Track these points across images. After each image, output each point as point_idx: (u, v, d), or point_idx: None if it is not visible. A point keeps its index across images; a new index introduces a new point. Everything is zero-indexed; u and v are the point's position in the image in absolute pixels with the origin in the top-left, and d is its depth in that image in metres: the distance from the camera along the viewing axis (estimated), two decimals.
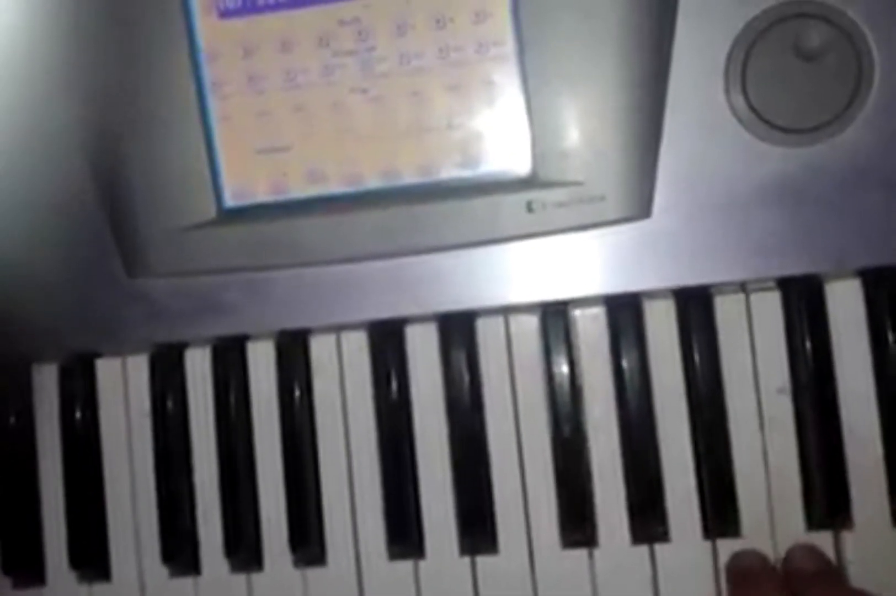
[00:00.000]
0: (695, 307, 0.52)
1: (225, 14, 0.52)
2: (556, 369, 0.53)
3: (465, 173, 0.51)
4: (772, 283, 0.51)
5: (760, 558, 0.50)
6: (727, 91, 0.49)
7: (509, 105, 0.50)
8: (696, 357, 0.51)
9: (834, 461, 0.50)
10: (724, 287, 0.51)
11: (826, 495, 0.50)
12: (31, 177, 0.54)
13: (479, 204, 0.51)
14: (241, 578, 0.55)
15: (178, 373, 0.56)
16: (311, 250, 0.52)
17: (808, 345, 0.51)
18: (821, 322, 0.51)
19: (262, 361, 0.56)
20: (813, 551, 0.50)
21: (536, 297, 0.52)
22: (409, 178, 0.51)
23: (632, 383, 0.52)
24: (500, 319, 0.54)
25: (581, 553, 0.52)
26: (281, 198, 0.52)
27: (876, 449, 0.50)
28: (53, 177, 0.54)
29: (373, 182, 0.52)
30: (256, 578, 0.55)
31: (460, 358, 0.53)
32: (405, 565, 0.54)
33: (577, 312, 0.53)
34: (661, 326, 0.52)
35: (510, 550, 0.53)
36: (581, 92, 0.50)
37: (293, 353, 0.55)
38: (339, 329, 0.55)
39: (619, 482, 0.52)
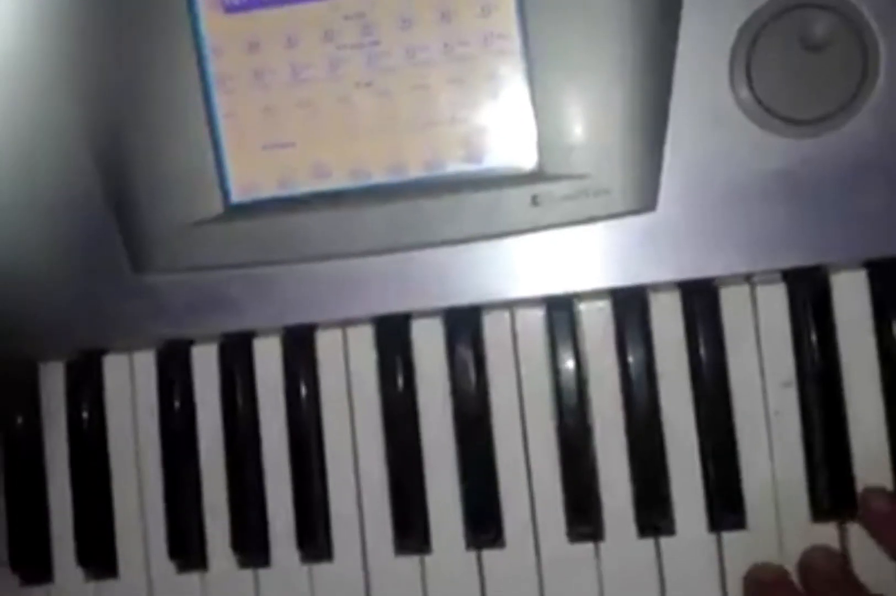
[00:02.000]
0: (700, 300, 0.52)
1: (230, 9, 0.52)
2: (561, 363, 0.53)
3: (471, 167, 0.51)
4: (777, 275, 0.51)
5: (778, 571, 0.50)
6: (732, 82, 0.49)
7: (514, 99, 0.51)
8: (702, 350, 0.51)
9: (839, 454, 0.50)
10: (729, 279, 0.51)
11: (831, 488, 0.50)
12: (35, 173, 0.54)
13: (485, 198, 0.51)
14: (248, 574, 0.55)
15: (184, 369, 0.56)
16: (318, 245, 0.52)
17: (813, 337, 0.51)
18: (826, 314, 0.51)
19: (268, 357, 0.55)
20: (830, 554, 0.50)
21: (542, 290, 0.52)
22: (415, 172, 0.51)
23: (637, 376, 0.52)
24: (505, 313, 0.54)
25: (587, 547, 0.52)
26: (287, 193, 0.53)
27: (881, 441, 0.50)
28: (58, 173, 0.54)
29: (378, 176, 0.52)
30: (263, 573, 0.55)
31: (466, 352, 0.53)
32: (412, 560, 0.54)
33: (582, 306, 0.53)
34: (667, 318, 0.52)
35: (516, 545, 0.53)
36: (586, 85, 0.50)
37: (299, 348, 0.55)
38: (345, 324, 0.55)
39: (624, 476, 0.52)
